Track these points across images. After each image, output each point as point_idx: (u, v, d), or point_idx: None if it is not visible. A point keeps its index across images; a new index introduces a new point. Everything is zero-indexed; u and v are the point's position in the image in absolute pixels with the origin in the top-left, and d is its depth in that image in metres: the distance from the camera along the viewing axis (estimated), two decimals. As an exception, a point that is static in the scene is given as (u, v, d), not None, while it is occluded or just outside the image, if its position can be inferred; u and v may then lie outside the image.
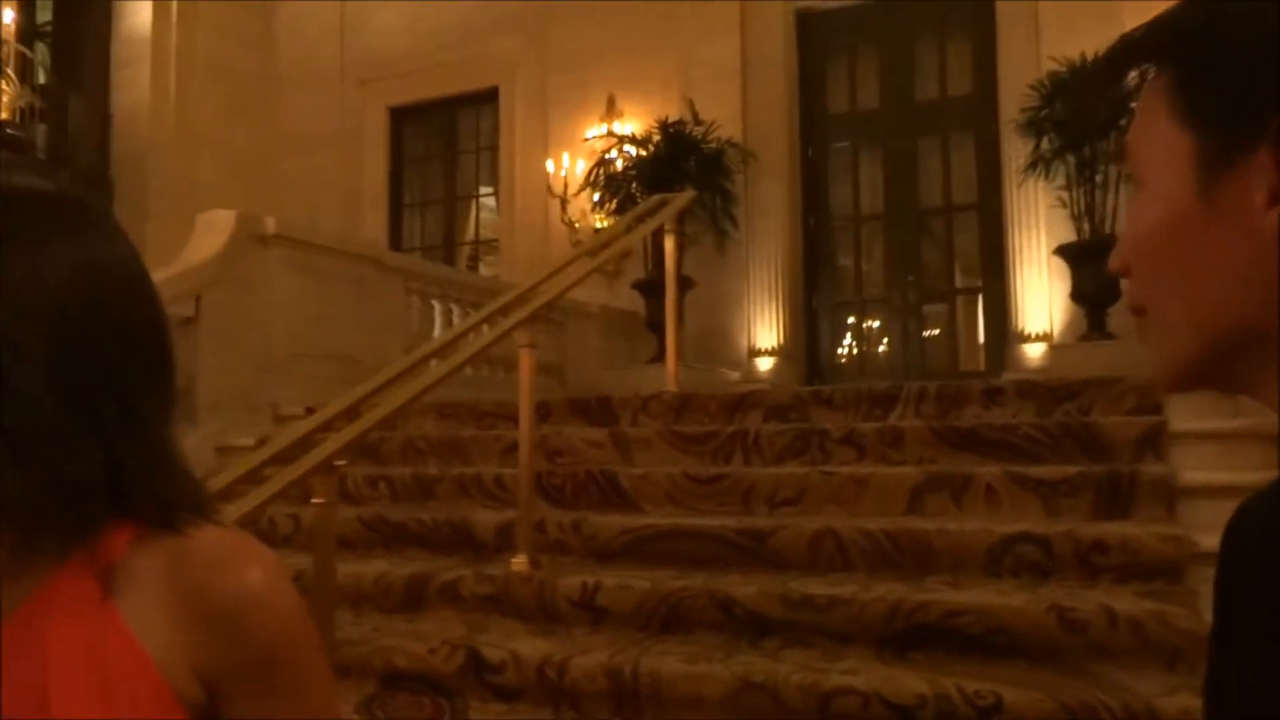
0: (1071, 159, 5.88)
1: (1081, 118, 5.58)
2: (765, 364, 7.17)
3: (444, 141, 8.99)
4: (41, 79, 7.86)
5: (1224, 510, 0.56)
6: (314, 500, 2.64)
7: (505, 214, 8.48)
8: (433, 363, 3.40)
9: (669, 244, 4.98)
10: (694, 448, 3.91)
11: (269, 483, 2.55)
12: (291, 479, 2.55)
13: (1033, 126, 5.98)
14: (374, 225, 8.77)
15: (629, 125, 7.64)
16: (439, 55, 8.49)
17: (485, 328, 3.63)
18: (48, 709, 0.64)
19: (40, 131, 7.57)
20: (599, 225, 7.32)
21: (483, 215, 8.97)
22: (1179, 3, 0.54)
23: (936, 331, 7.53)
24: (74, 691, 0.64)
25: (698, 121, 7.04)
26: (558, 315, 6.41)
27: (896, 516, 3.23)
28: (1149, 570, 2.74)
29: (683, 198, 5.13)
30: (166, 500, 0.70)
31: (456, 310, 6.26)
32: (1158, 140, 0.54)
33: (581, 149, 7.80)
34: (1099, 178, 5.84)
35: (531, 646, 2.72)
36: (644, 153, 7.05)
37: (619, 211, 6.81)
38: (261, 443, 3.65)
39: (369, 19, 8.86)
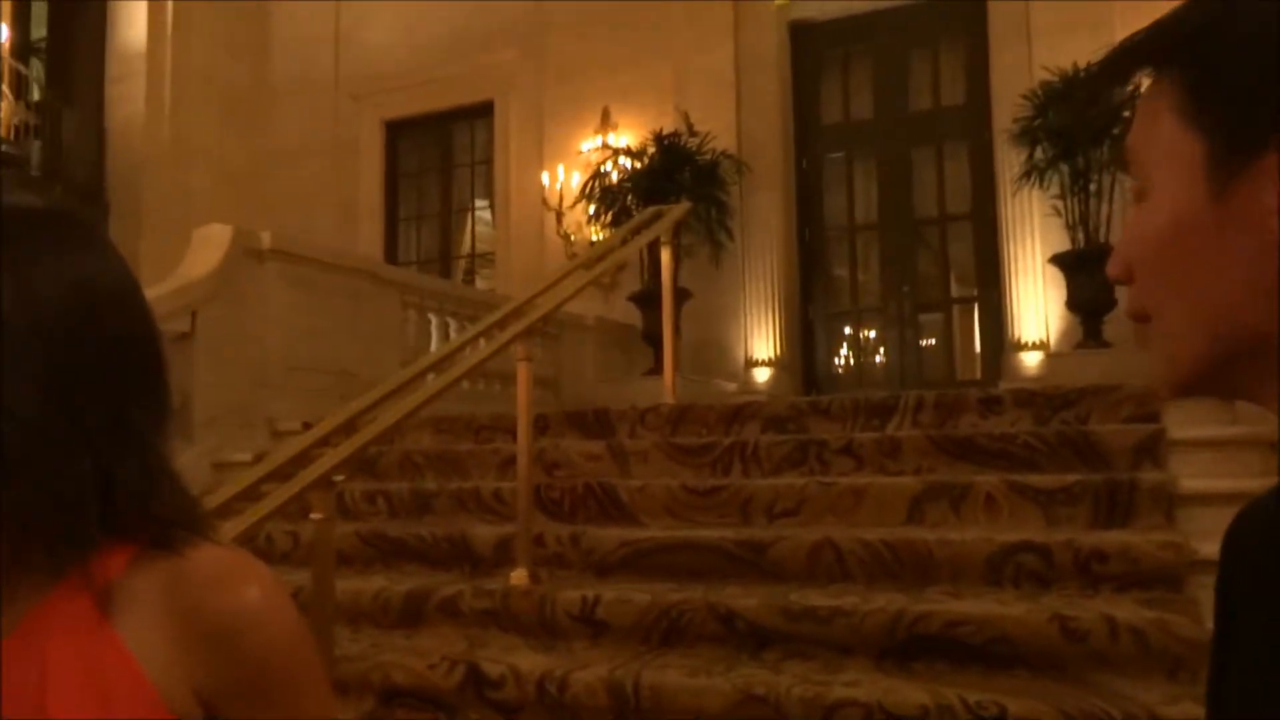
0: (1065, 168, 5.90)
1: (1078, 124, 5.60)
2: (762, 375, 7.17)
3: (439, 154, 9.00)
4: (36, 95, 7.86)
5: (1223, 517, 0.56)
6: (312, 516, 2.63)
7: (501, 227, 8.49)
8: (429, 376, 3.40)
9: (665, 256, 4.99)
10: (692, 460, 3.90)
11: (267, 499, 2.54)
12: (289, 495, 2.54)
13: (1026, 136, 6.00)
14: (369, 239, 8.77)
15: (624, 137, 7.66)
16: (434, 69, 8.52)
17: (482, 341, 3.63)
18: None
19: (35, 148, 7.57)
20: (594, 238, 7.33)
21: (478, 228, 8.98)
22: (1183, 5, 0.53)
23: (933, 341, 7.54)
24: (73, 711, 0.64)
25: (692, 133, 7.06)
26: (553, 328, 6.41)
27: (896, 527, 3.23)
28: (1149, 578, 2.74)
29: (678, 209, 5.14)
30: (161, 517, 0.70)
31: (453, 323, 6.25)
32: (1163, 144, 0.54)
33: (577, 161, 7.82)
34: (1093, 186, 5.86)
35: (531, 661, 2.71)
36: (639, 165, 7.06)
37: (615, 224, 6.81)
38: (258, 458, 3.64)
39: (363, 32, 8.89)
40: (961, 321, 7.55)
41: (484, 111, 8.55)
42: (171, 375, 0.76)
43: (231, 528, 2.38)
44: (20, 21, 7.90)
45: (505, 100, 8.42)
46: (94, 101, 8.04)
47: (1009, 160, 6.41)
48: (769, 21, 7.59)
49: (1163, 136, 0.54)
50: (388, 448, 4.34)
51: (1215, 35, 0.51)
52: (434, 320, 6.22)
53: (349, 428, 2.95)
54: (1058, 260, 6.09)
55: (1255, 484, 2.36)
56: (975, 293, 7.31)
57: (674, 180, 6.78)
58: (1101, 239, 5.82)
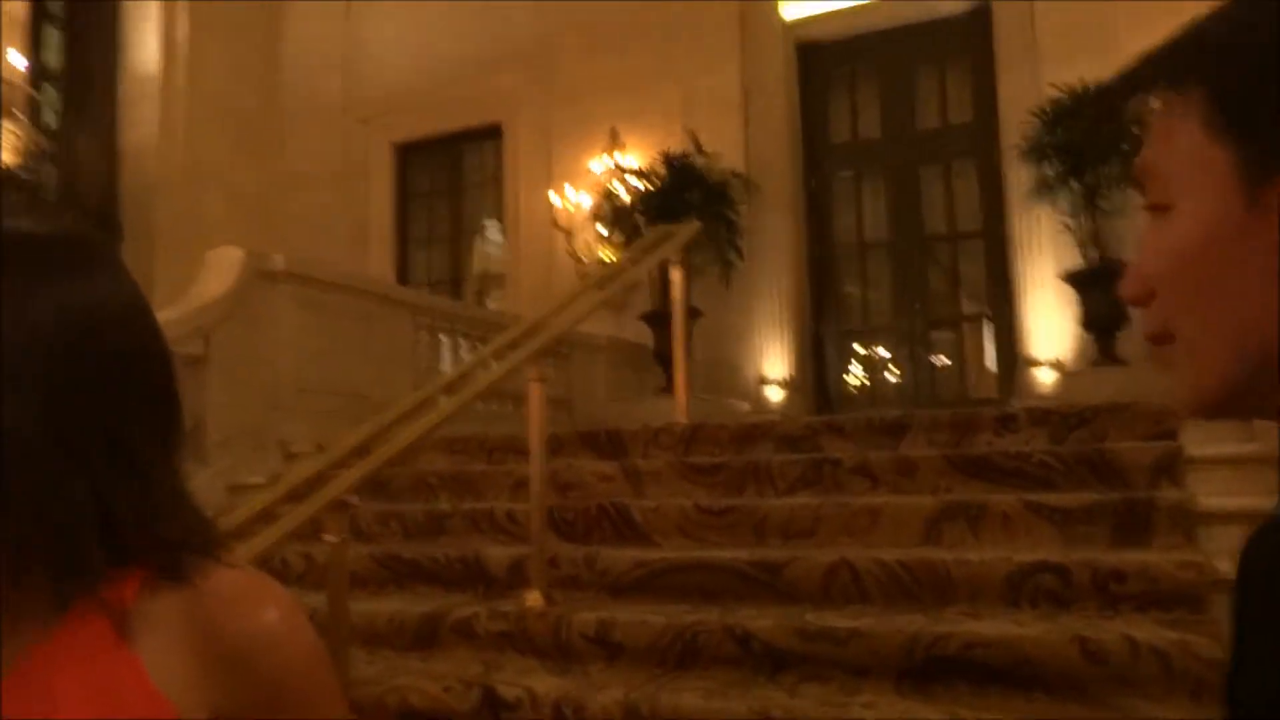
0: (1075, 185, 5.90)
1: (1088, 141, 5.60)
2: (774, 394, 7.16)
3: (449, 176, 9.05)
4: (49, 120, 7.94)
5: (1244, 536, 0.55)
6: (326, 537, 2.63)
7: (511, 247, 8.52)
8: (441, 397, 3.40)
9: (676, 275, 4.99)
10: (705, 479, 3.89)
11: (282, 520, 2.55)
12: (305, 517, 2.54)
13: (1035, 153, 6.01)
14: (380, 260, 8.81)
15: (631, 158, 7.69)
16: (442, 91, 8.57)
17: (494, 362, 3.63)
18: None
19: (50, 173, 7.64)
20: (604, 258, 7.35)
21: (488, 249, 9.01)
22: (1203, 18, 0.53)
23: (945, 359, 7.52)
24: None
25: (701, 153, 7.09)
26: (564, 348, 6.41)
27: (912, 547, 3.21)
28: (1170, 598, 2.71)
29: (688, 229, 5.15)
30: (171, 540, 0.69)
31: (464, 344, 6.26)
32: (1187, 156, 0.53)
33: (585, 181, 7.85)
34: (1103, 203, 5.85)
35: (547, 684, 2.70)
36: (648, 185, 7.08)
37: (625, 244, 6.83)
38: (273, 480, 3.64)
39: (373, 56, 8.95)
40: (973, 339, 7.53)
41: (493, 133, 8.59)
42: (184, 397, 0.76)
43: (247, 550, 2.38)
44: (34, 47, 7.98)
45: (514, 122, 8.46)
46: (107, 126, 8.11)
47: (1017, 177, 6.41)
48: (776, 42, 7.63)
49: (1186, 149, 0.53)
50: (401, 469, 4.34)
51: (1241, 45, 0.51)
52: (445, 341, 6.24)
53: (363, 450, 2.96)
54: (1070, 278, 6.08)
55: (1274, 502, 2.34)
56: (987, 310, 7.30)
57: (684, 200, 6.80)
58: (1115, 255, 5.80)
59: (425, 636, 3.13)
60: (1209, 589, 2.70)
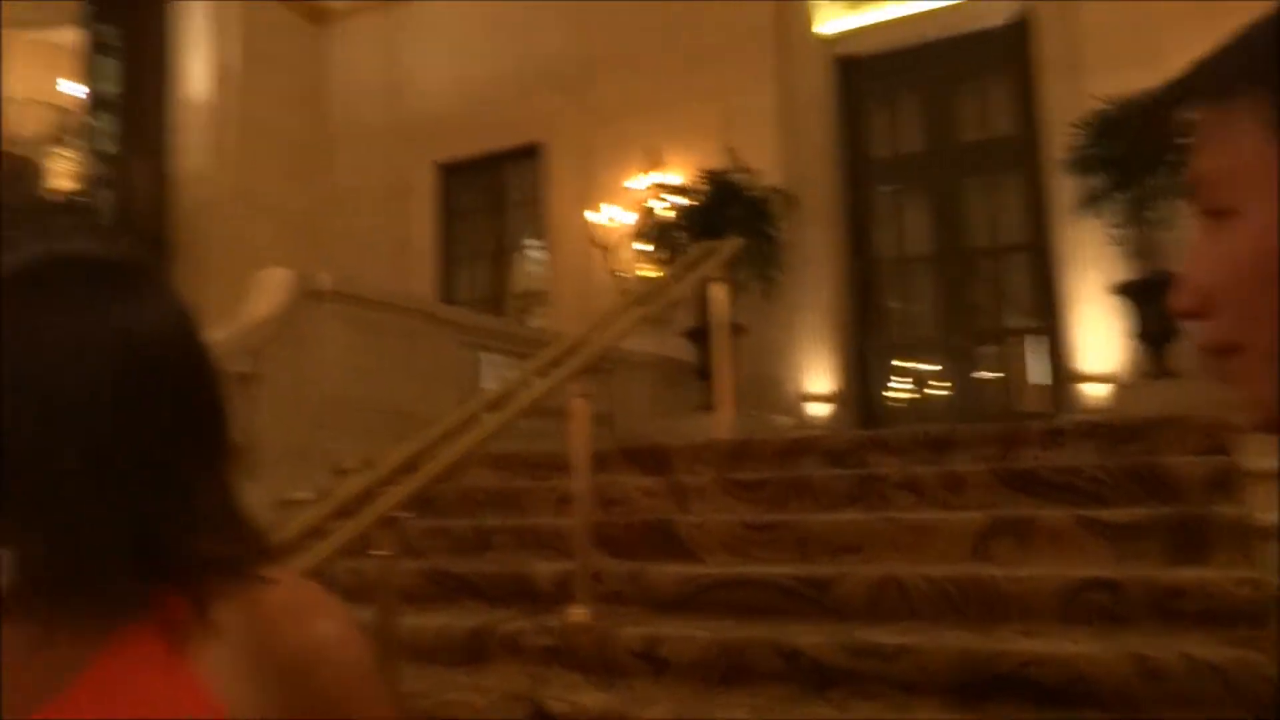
0: (1122, 197, 5.81)
1: (1134, 152, 5.52)
2: (818, 409, 7.11)
3: (490, 195, 9.15)
4: (105, 146, 8.17)
5: None
6: (375, 553, 2.66)
7: (551, 265, 8.58)
8: (485, 414, 3.43)
9: (718, 292, 5.00)
10: (750, 495, 3.88)
11: (333, 536, 2.58)
12: (355, 532, 2.58)
13: (1080, 164, 5.94)
14: (423, 278, 8.91)
15: (671, 175, 7.72)
16: (484, 113, 8.68)
17: (536, 379, 3.66)
18: None
19: (106, 198, 7.85)
20: (645, 275, 7.37)
21: (529, 267, 9.08)
22: (1260, 24, 0.53)
23: (991, 373, 7.43)
24: None
25: (741, 169, 7.09)
26: (606, 364, 6.42)
27: (960, 563, 3.17)
28: (1229, 615, 2.65)
29: (730, 245, 5.15)
30: (222, 556, 0.69)
31: (507, 361, 6.31)
32: (1254, 163, 0.52)
33: (625, 199, 7.89)
34: (1151, 214, 5.76)
35: (594, 699, 2.70)
36: (690, 201, 7.10)
37: (669, 260, 6.85)
38: (321, 496, 3.69)
39: (415, 80, 9.11)
40: (1020, 353, 7.43)
41: (532, 153, 8.69)
42: (235, 414, 0.76)
43: (298, 565, 2.41)
44: (91, 78, 8.23)
45: (553, 142, 8.55)
46: (161, 152, 8.34)
47: (1062, 190, 6.33)
48: (814, 58, 7.63)
49: (1250, 154, 0.52)
50: (447, 485, 4.37)
51: None
52: (488, 358, 6.28)
53: (410, 465, 2.99)
54: (1121, 289, 5.98)
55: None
56: (1033, 324, 7.19)
57: (725, 216, 6.80)
58: (1165, 267, 5.71)
59: (473, 651, 3.15)
60: (1268, 605, 2.63)
